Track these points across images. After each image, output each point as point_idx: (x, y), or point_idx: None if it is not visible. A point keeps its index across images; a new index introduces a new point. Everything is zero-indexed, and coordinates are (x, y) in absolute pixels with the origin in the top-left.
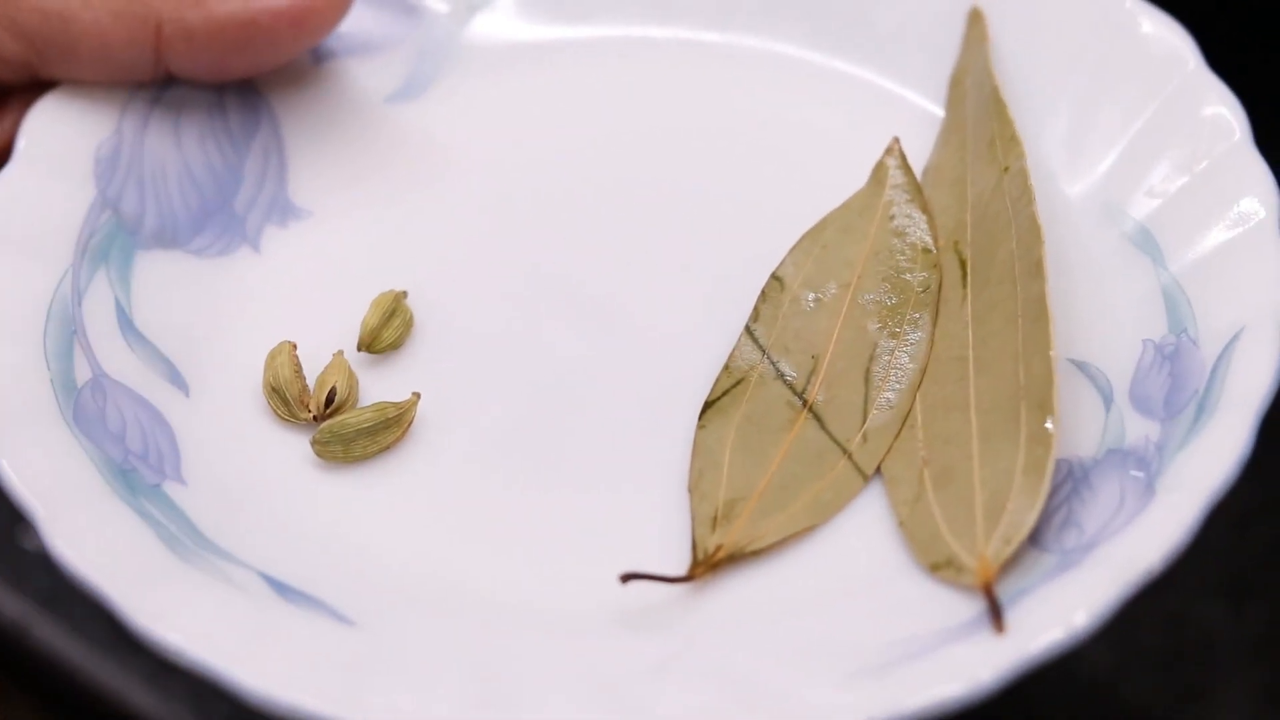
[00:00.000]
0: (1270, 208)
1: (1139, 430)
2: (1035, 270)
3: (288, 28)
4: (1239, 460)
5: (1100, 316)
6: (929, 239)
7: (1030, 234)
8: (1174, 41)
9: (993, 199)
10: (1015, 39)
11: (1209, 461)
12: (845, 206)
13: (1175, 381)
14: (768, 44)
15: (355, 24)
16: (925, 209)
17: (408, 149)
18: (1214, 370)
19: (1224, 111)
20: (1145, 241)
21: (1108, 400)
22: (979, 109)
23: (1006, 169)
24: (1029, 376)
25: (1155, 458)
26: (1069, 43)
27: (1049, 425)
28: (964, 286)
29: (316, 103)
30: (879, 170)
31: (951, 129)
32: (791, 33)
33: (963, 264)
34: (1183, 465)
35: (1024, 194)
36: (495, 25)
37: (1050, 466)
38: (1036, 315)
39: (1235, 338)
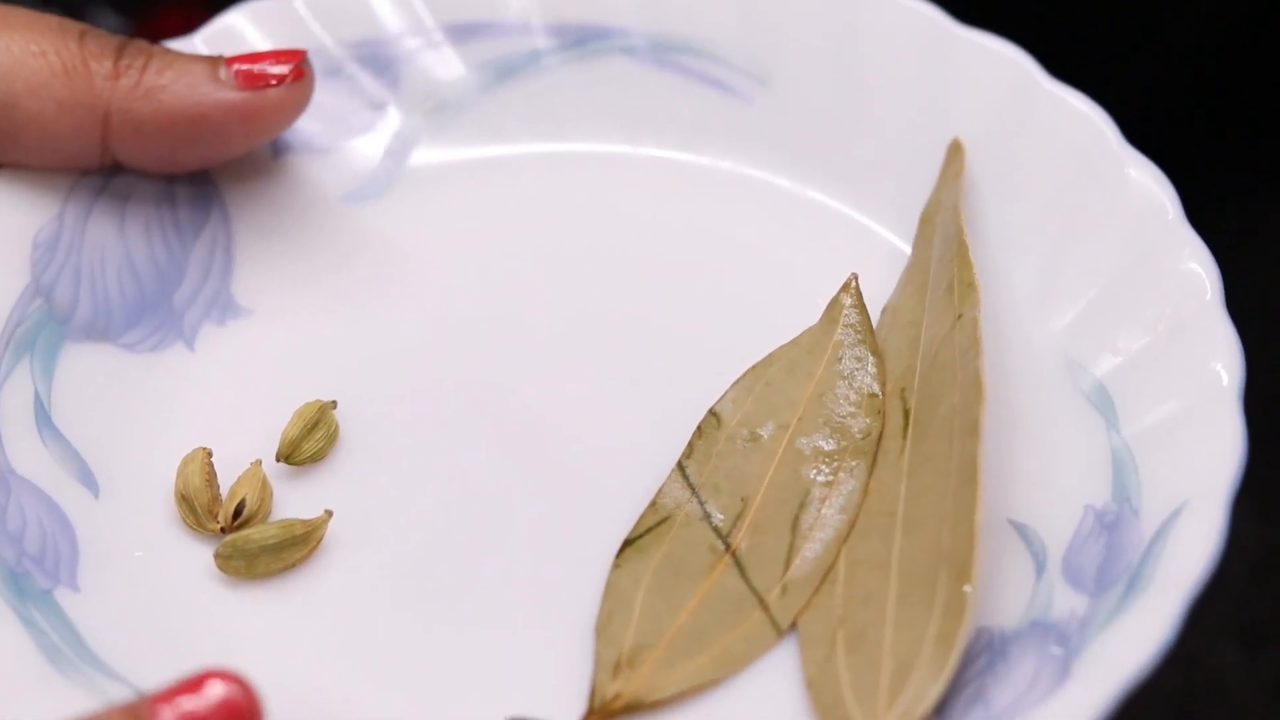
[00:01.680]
0: (1233, 375)
1: (1066, 603)
2: (971, 429)
3: (239, 123)
4: (1160, 647)
5: (1046, 476)
6: (875, 384)
7: (972, 390)
8: (1155, 190)
9: (943, 347)
10: (994, 174)
11: (1129, 646)
12: (794, 343)
13: (1110, 554)
14: (740, 168)
15: (315, 122)
16: (876, 352)
17: (359, 252)
18: (1150, 546)
19: (1197, 269)
20: (1102, 401)
21: (1040, 567)
22: (944, 249)
23: (960, 316)
24: (952, 541)
25: (1077, 634)
26: (1049, 182)
27: (966, 593)
28: (904, 437)
29: (270, 198)
30: (833, 307)
31: (915, 268)
32: (766, 158)
33: (906, 413)
34: (1102, 647)
35: (972, 346)
36: (460, 134)
37: (960, 640)
38: (967, 477)
39: (1177, 512)
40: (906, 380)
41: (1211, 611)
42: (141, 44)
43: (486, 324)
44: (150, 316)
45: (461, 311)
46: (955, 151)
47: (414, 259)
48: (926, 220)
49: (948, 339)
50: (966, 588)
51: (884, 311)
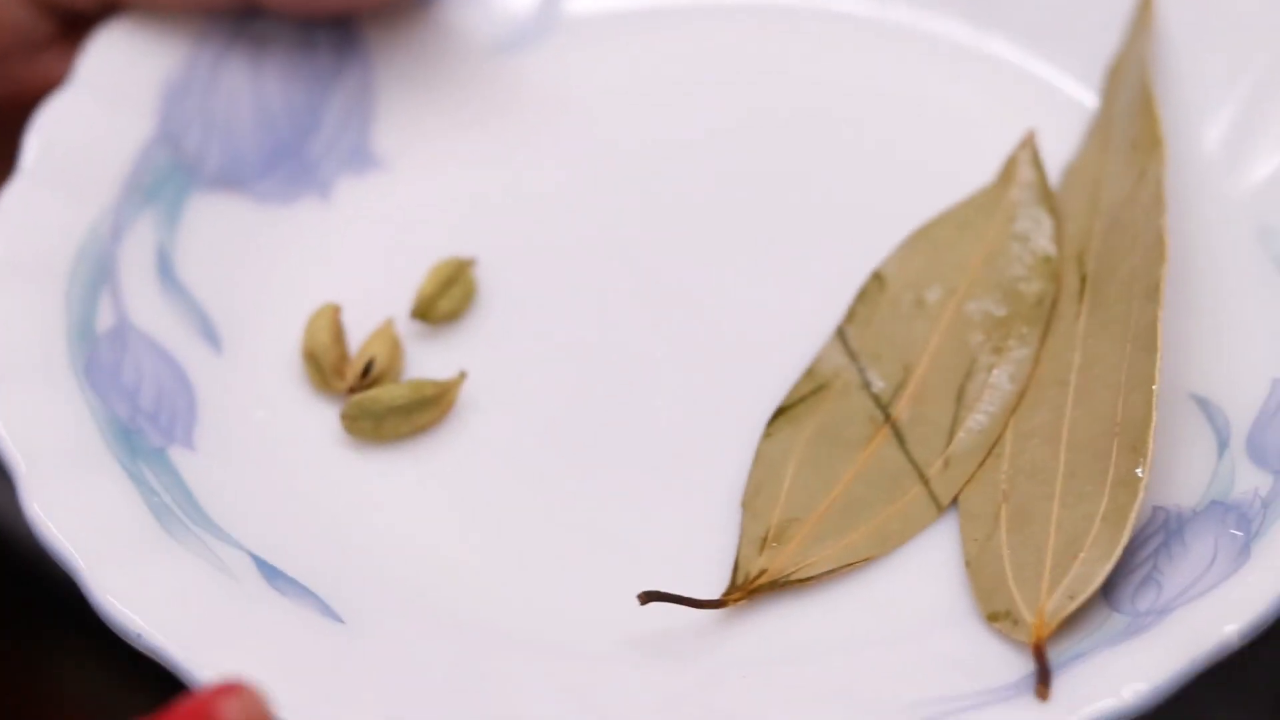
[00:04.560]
0: None
1: (1249, 482)
2: (1152, 293)
3: None
4: None
5: (1232, 347)
6: (1051, 246)
7: (1154, 251)
8: None
9: (1125, 206)
10: (1188, 22)
11: None
12: (967, 203)
13: None
14: (915, 16)
15: None
16: (1053, 212)
17: (507, 105)
18: None
19: None
20: None
21: (1223, 444)
22: (1130, 104)
23: (1143, 173)
24: (1127, 412)
25: (1259, 515)
26: (1245, 31)
27: (1139, 472)
28: (1080, 302)
29: (416, 45)
30: (1009, 166)
31: (1100, 125)
32: (942, 5)
33: (1083, 277)
34: None
35: (1156, 204)
36: None
37: (1132, 517)
38: (1146, 344)
39: None
40: (1085, 242)
41: None
42: None
43: (639, 182)
44: (284, 166)
45: (612, 170)
46: (1145, 2)
47: (565, 114)
48: (1114, 74)
49: (1130, 198)
50: (1139, 470)
51: (1065, 171)
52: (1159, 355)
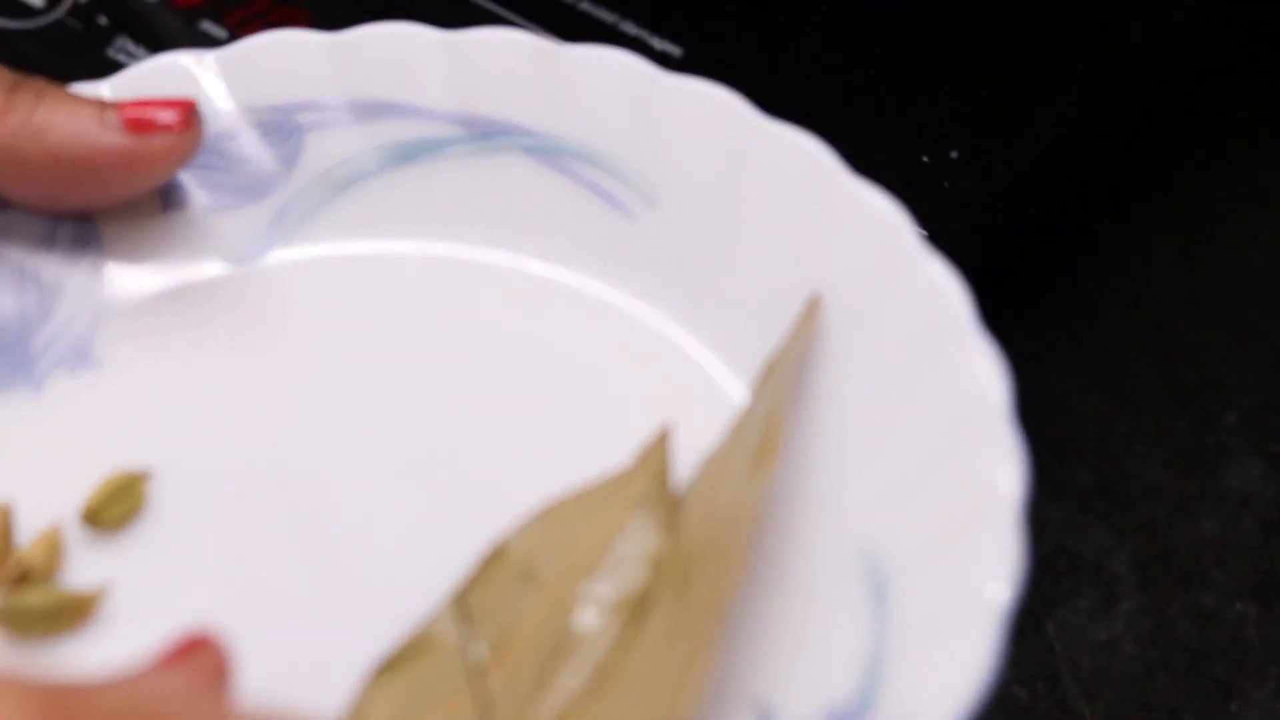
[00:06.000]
0: (1004, 598)
1: None
2: (716, 612)
3: (121, 167)
4: None
5: (804, 662)
6: (664, 541)
7: (731, 567)
8: (987, 383)
9: (729, 513)
10: (849, 332)
11: None
12: (601, 485)
13: None
14: (612, 292)
15: (208, 182)
16: (672, 507)
17: (223, 320)
18: None
19: (1007, 473)
20: (879, 592)
21: None
22: (768, 409)
23: (751, 483)
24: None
25: None
26: (897, 351)
27: None
28: (677, 603)
29: (152, 249)
30: (644, 454)
31: (741, 424)
32: (639, 283)
33: (684, 576)
34: None
35: (749, 520)
36: (350, 217)
37: None
38: (696, 658)
39: None
40: (694, 542)
41: (1228, 567)
42: (37, 83)
43: (321, 419)
44: (3, 358)
45: (300, 400)
46: (812, 308)
47: (274, 338)
48: (766, 375)
49: (736, 504)
50: None
51: (703, 463)
52: (697, 672)
